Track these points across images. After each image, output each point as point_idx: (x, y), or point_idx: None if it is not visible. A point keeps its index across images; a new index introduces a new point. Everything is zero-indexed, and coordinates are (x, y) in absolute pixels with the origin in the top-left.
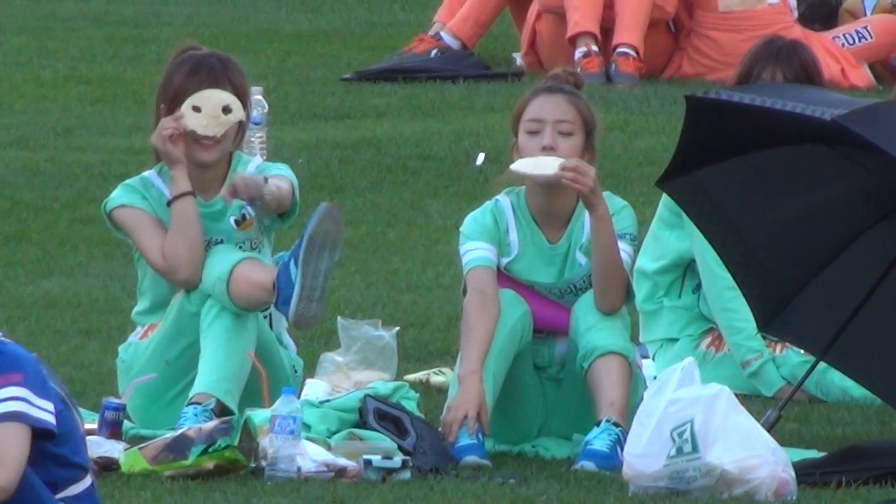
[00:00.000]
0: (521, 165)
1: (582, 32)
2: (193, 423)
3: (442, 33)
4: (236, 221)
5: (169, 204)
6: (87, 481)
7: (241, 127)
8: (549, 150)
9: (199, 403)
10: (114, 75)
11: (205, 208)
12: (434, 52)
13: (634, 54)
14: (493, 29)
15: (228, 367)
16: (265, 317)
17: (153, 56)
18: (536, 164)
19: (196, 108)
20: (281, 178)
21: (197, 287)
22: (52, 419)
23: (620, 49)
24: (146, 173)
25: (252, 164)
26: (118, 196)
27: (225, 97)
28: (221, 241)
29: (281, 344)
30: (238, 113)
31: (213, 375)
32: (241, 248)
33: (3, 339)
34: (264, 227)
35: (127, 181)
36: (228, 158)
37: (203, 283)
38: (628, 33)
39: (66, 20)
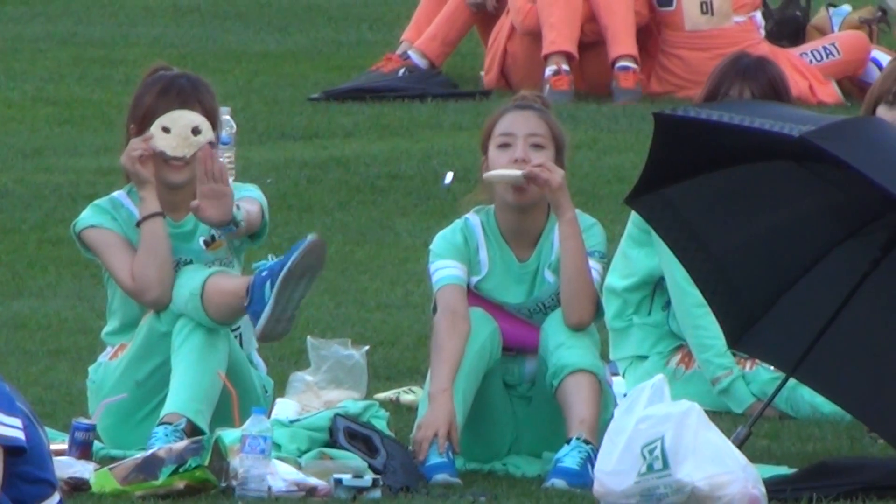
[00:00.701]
0: (489, 175)
1: (557, 52)
2: (164, 443)
3: (409, 52)
4: (205, 242)
5: (138, 224)
6: (56, 498)
7: (211, 147)
8: (521, 162)
9: (170, 423)
10: (81, 96)
11: (175, 229)
12: (402, 71)
13: (634, 65)
14: (461, 48)
15: (199, 387)
16: (236, 337)
17: (121, 77)
18: (502, 172)
19: (165, 129)
20: (250, 201)
21: (166, 307)
22: (22, 436)
23: (620, 63)
24: (116, 194)
25: None
26: (87, 217)
27: (194, 118)
28: (191, 262)
29: (251, 364)
30: (207, 134)
31: (183, 395)
32: (209, 267)
33: None
34: (234, 248)
35: (96, 202)
36: None
37: (174, 303)
38: (624, 45)
39: (34, 41)
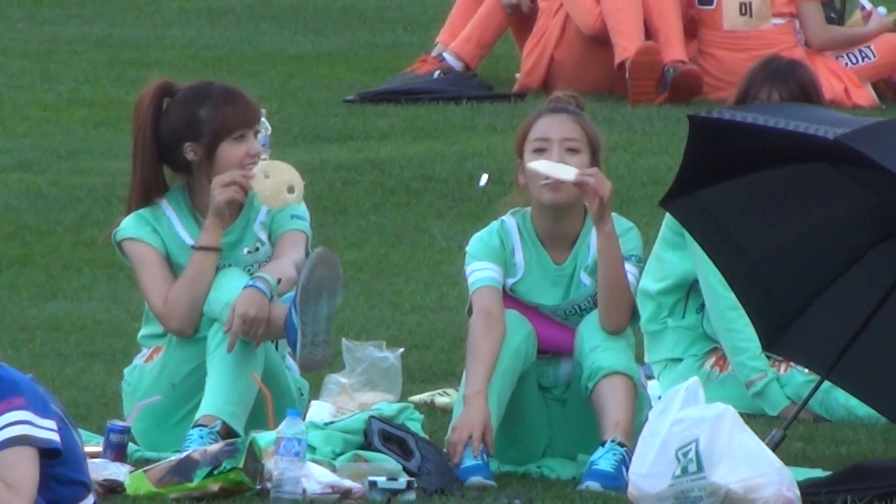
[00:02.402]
0: (539, 165)
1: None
2: (199, 445)
3: (445, 54)
4: (249, 252)
5: (193, 248)
6: (90, 500)
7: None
8: None
9: (205, 426)
10: (117, 98)
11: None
12: (437, 73)
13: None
14: (496, 50)
15: (235, 390)
16: (271, 340)
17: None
18: (554, 168)
19: (266, 176)
20: (293, 243)
21: (188, 338)
22: (56, 437)
23: (676, 64)
24: (161, 202)
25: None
26: (129, 227)
27: (293, 177)
28: (230, 266)
29: (286, 366)
30: (298, 196)
31: (219, 398)
32: (249, 271)
33: None
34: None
35: (139, 211)
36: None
37: (209, 306)
38: (676, 50)
39: (69, 43)
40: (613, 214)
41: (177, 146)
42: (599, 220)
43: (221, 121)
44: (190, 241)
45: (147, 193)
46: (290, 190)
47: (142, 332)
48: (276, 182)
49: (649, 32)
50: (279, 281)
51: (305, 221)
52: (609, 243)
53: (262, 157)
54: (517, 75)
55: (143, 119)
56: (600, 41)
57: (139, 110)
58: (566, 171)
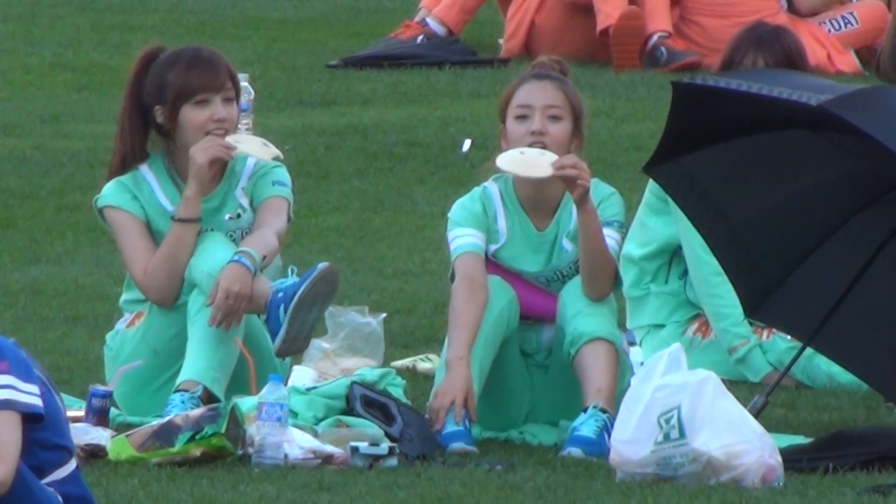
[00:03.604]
0: (510, 164)
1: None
2: (180, 410)
3: (428, 19)
4: (231, 218)
5: (173, 219)
6: (73, 464)
7: (238, 116)
8: (538, 134)
9: (186, 391)
10: (100, 62)
11: (202, 203)
12: (420, 38)
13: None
14: (479, 15)
15: (215, 355)
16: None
17: (139, 43)
18: (526, 164)
19: (238, 143)
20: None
21: (168, 307)
22: (39, 402)
23: (661, 34)
24: (140, 167)
25: (250, 160)
26: (109, 194)
27: (259, 139)
28: (212, 230)
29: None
30: (273, 149)
31: (199, 363)
32: (232, 237)
33: None
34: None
35: (119, 178)
36: None
37: (190, 272)
38: (662, 20)
39: (52, 7)
40: (595, 180)
41: (150, 109)
42: (581, 201)
43: (181, 84)
44: (170, 208)
45: (124, 158)
46: (266, 144)
47: (123, 297)
48: (251, 143)
49: (636, 1)
50: (264, 258)
51: (286, 187)
52: (590, 219)
53: (244, 121)
54: (500, 41)
55: (128, 83)
56: (581, 7)
57: (129, 75)
58: (541, 166)
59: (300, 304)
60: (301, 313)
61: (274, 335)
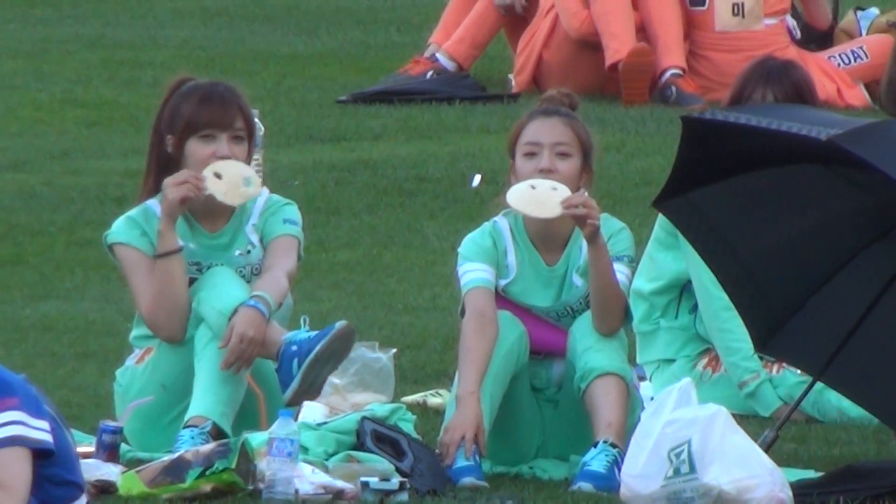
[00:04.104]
0: (519, 202)
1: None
2: (190, 445)
3: (438, 55)
4: (241, 254)
5: (156, 257)
6: (83, 501)
7: (249, 155)
8: (546, 172)
9: (196, 426)
10: (110, 98)
11: (210, 240)
12: (430, 73)
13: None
14: (489, 50)
15: (224, 391)
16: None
17: (149, 79)
18: (536, 202)
19: (217, 175)
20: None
21: (179, 343)
22: (50, 438)
23: (673, 72)
24: (148, 202)
25: (261, 198)
26: (118, 230)
27: (245, 170)
28: (221, 265)
29: None
30: (256, 189)
31: (208, 398)
32: (241, 273)
33: None
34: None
35: (129, 213)
36: None
37: (201, 308)
38: (676, 56)
39: (62, 43)
40: (605, 215)
41: (164, 138)
42: (591, 238)
43: (190, 116)
44: (179, 242)
45: (149, 185)
46: (247, 183)
47: (133, 332)
48: (229, 179)
49: (649, 39)
50: (279, 304)
51: (297, 226)
52: (600, 255)
53: (255, 157)
54: (510, 76)
55: (157, 112)
56: (589, 43)
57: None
58: (550, 207)
59: (315, 360)
60: (315, 369)
61: (285, 386)
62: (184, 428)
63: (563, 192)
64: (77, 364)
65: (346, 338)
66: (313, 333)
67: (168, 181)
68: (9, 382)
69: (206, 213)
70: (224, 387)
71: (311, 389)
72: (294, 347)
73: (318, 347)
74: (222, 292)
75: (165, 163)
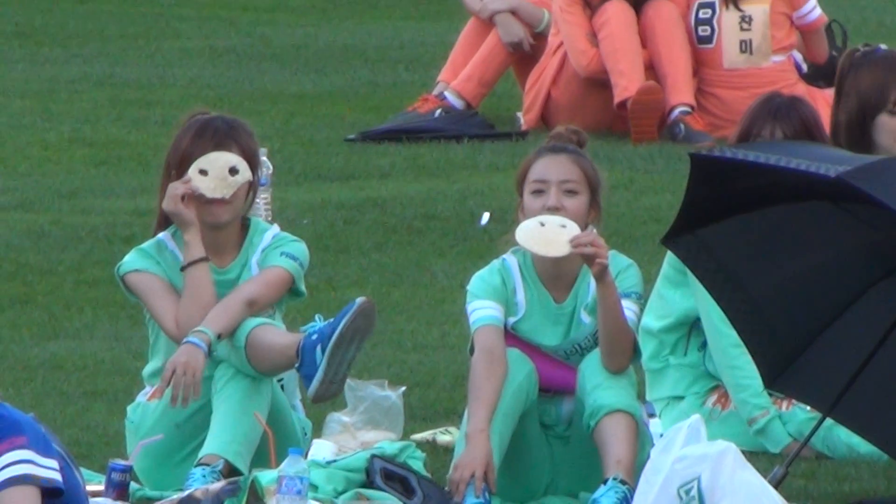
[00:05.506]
0: (528, 240)
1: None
2: (201, 483)
3: (446, 93)
4: None
5: (182, 269)
6: None
7: (251, 188)
8: (554, 210)
9: (208, 465)
10: (118, 137)
11: (219, 276)
12: (438, 111)
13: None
14: (497, 88)
15: (240, 429)
16: (279, 381)
17: (157, 118)
18: (544, 240)
19: (203, 172)
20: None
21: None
22: (59, 476)
23: (682, 109)
24: (161, 236)
25: (269, 234)
26: (131, 261)
27: (230, 158)
28: None
29: (293, 407)
30: (245, 173)
31: (223, 437)
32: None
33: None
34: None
35: (141, 246)
36: (244, 223)
37: (216, 352)
38: (685, 94)
39: (70, 83)
40: (613, 252)
41: (168, 172)
42: (600, 277)
43: (184, 150)
44: (203, 252)
45: (161, 219)
46: (234, 171)
47: (147, 368)
48: (215, 174)
49: (658, 77)
50: (219, 336)
51: (295, 261)
52: (609, 293)
53: (263, 196)
54: (519, 114)
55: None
56: (597, 81)
57: None
58: (558, 246)
59: (340, 340)
60: (340, 350)
61: (309, 380)
62: (196, 466)
63: (573, 229)
64: (86, 403)
65: (367, 313)
66: (332, 319)
67: (165, 201)
68: (17, 421)
69: (213, 249)
70: (241, 425)
71: (336, 380)
72: (315, 336)
73: (341, 325)
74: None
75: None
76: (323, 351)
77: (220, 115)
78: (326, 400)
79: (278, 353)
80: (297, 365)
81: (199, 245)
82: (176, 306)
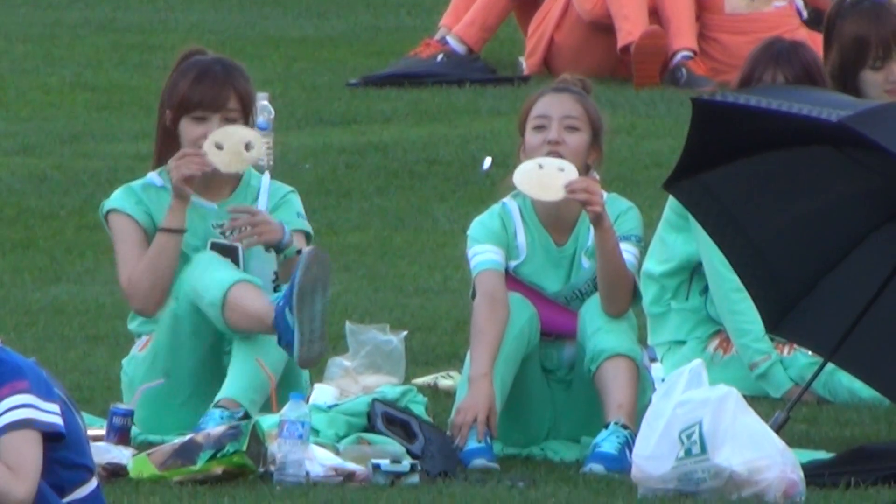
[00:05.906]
0: (525, 183)
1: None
2: (217, 424)
3: (448, 38)
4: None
5: (157, 230)
6: (93, 483)
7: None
8: (554, 144)
9: (227, 408)
10: (120, 82)
11: (204, 209)
12: (440, 56)
13: (693, 56)
14: (499, 33)
15: (256, 378)
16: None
17: (159, 62)
18: (541, 185)
19: (218, 146)
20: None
21: (149, 318)
22: (60, 421)
23: (684, 53)
24: (150, 176)
25: (265, 181)
26: (115, 199)
27: (245, 134)
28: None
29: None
30: (259, 149)
31: (242, 383)
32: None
33: (1, 346)
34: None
35: (129, 184)
36: None
37: (190, 295)
38: (687, 38)
39: (72, 27)
40: (613, 195)
41: (163, 112)
42: (596, 225)
43: (183, 95)
44: (185, 225)
45: (155, 157)
46: (248, 147)
47: (132, 320)
48: (230, 147)
49: (661, 21)
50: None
51: (305, 219)
52: (606, 237)
53: (265, 141)
54: (521, 58)
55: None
56: (601, 25)
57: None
58: (553, 191)
59: (301, 293)
60: (306, 305)
61: (290, 347)
62: (214, 407)
63: (571, 172)
64: (87, 347)
65: (320, 260)
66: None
67: (170, 162)
68: (19, 366)
69: (206, 185)
70: (259, 374)
71: (314, 338)
72: (281, 302)
73: (298, 280)
74: (210, 282)
75: (168, 136)
76: (291, 311)
77: (219, 57)
78: (314, 363)
79: (255, 319)
80: (276, 340)
81: (183, 216)
82: (137, 261)
